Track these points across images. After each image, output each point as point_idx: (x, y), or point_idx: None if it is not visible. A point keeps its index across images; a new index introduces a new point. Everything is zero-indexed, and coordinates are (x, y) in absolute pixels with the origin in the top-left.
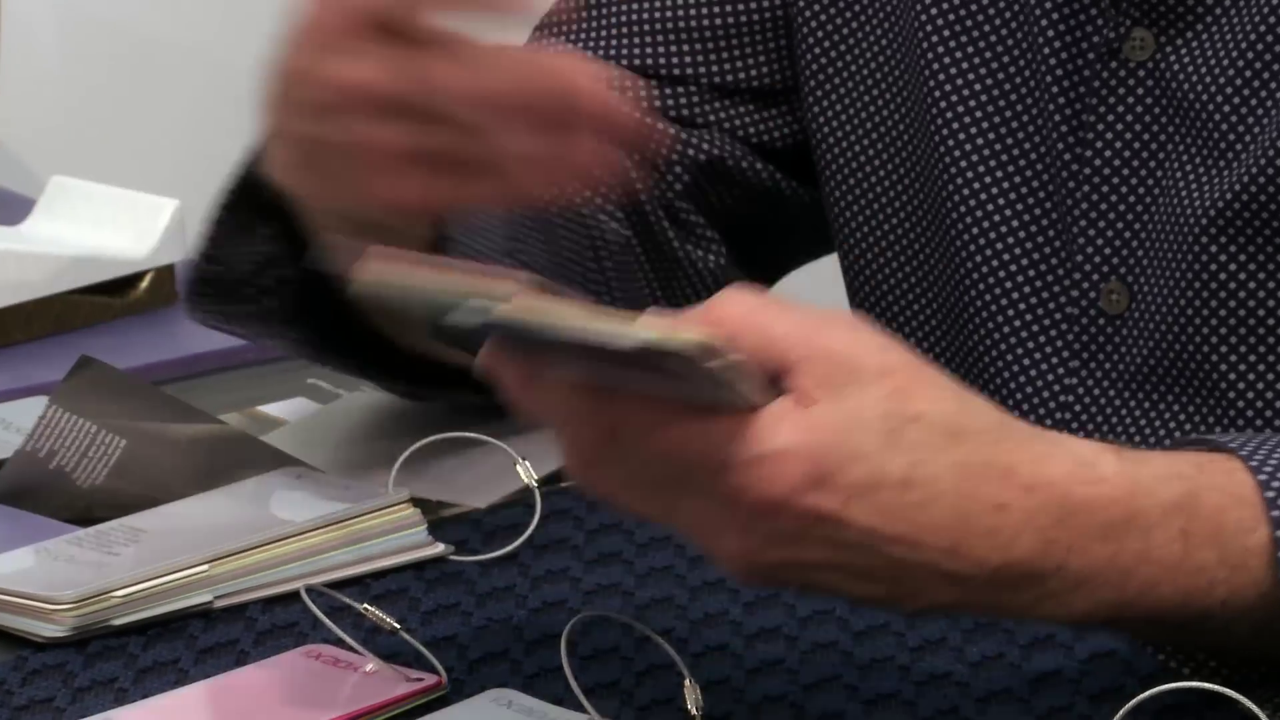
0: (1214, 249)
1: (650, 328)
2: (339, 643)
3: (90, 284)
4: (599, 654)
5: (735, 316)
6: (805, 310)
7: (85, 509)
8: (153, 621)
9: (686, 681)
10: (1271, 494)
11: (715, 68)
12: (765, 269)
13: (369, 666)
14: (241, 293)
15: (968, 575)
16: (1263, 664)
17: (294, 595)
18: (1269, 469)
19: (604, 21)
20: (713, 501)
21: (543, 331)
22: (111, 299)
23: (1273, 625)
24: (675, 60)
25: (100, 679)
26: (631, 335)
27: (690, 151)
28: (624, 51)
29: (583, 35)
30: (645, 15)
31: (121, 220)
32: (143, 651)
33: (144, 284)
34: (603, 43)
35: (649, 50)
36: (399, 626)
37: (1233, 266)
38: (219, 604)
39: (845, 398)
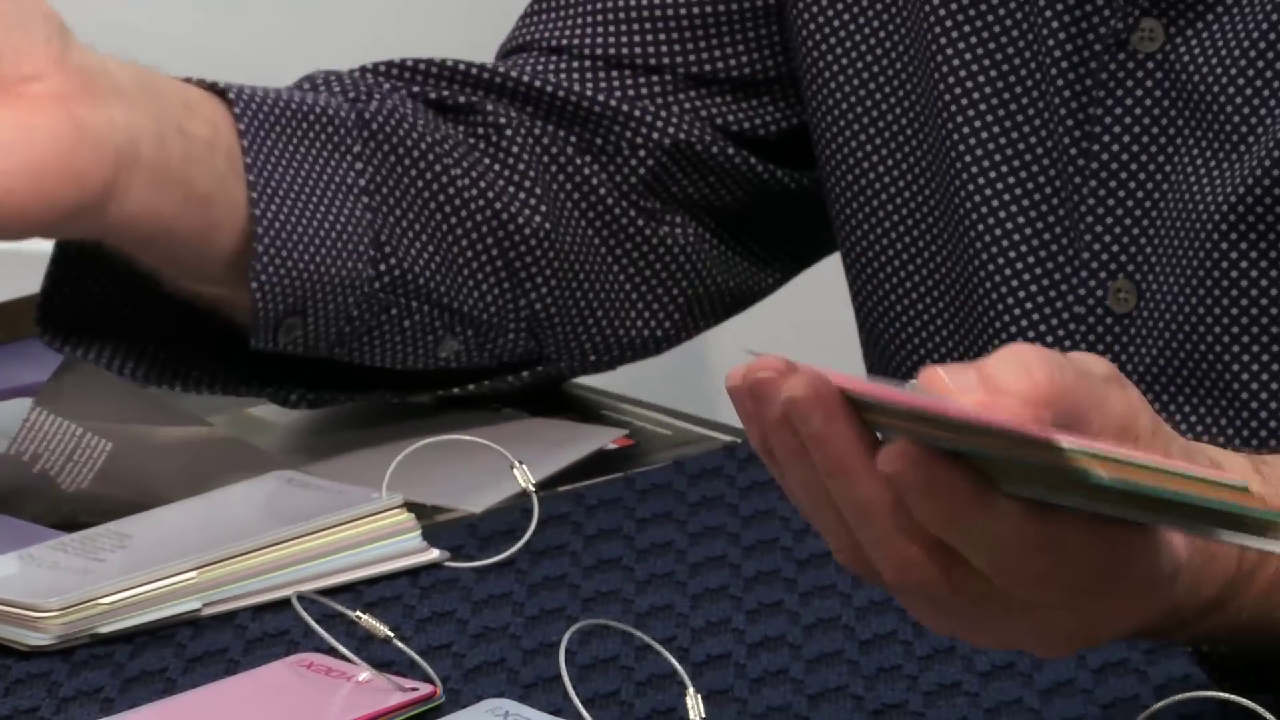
0: (1225, 245)
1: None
2: (331, 651)
3: None
4: (598, 663)
5: (1053, 394)
6: (1086, 367)
7: (70, 514)
8: (140, 629)
9: (688, 692)
10: None
11: (693, 57)
12: (777, 263)
13: (362, 676)
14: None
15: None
16: None
17: (285, 602)
18: None
19: (576, 9)
20: (1074, 615)
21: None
22: None
23: None
24: (651, 49)
25: (86, 689)
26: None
27: (655, 135)
28: (598, 40)
29: (553, 23)
30: (621, 4)
31: None
32: (129, 660)
33: None
34: (576, 31)
35: (623, 39)
36: (393, 635)
37: (1244, 264)
38: (207, 611)
39: None
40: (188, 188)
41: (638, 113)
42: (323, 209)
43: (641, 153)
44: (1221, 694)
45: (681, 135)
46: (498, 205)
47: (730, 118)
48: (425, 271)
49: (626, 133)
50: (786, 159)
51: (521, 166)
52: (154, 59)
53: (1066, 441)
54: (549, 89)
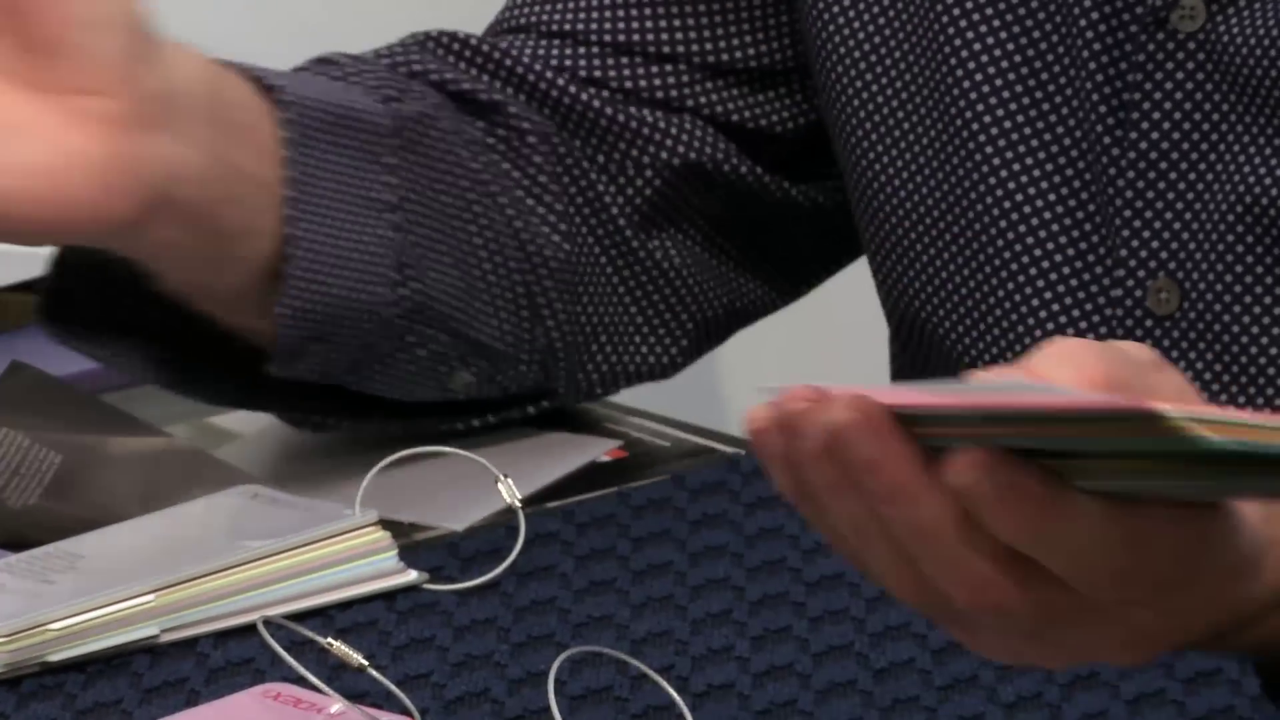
0: (1278, 240)
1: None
2: (300, 681)
3: (20, 280)
4: (590, 694)
5: (1111, 381)
6: (1131, 356)
7: (17, 531)
8: (93, 657)
9: None
10: None
11: (709, 45)
12: (783, 281)
13: (334, 708)
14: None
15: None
16: None
17: (250, 628)
18: None
19: None
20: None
21: None
22: None
23: None
24: (664, 36)
25: None
26: None
27: (664, 155)
28: (605, 26)
29: (557, 5)
30: None
31: None
32: (82, 691)
33: None
34: (582, 15)
35: (634, 25)
36: (367, 663)
37: None
38: (166, 638)
39: None
40: (217, 226)
41: (646, 130)
42: (352, 229)
43: (649, 172)
44: None
45: (692, 155)
46: (519, 225)
47: (746, 113)
48: (444, 297)
49: (633, 150)
50: (798, 164)
51: (543, 179)
52: None
53: (1171, 409)
54: (565, 99)
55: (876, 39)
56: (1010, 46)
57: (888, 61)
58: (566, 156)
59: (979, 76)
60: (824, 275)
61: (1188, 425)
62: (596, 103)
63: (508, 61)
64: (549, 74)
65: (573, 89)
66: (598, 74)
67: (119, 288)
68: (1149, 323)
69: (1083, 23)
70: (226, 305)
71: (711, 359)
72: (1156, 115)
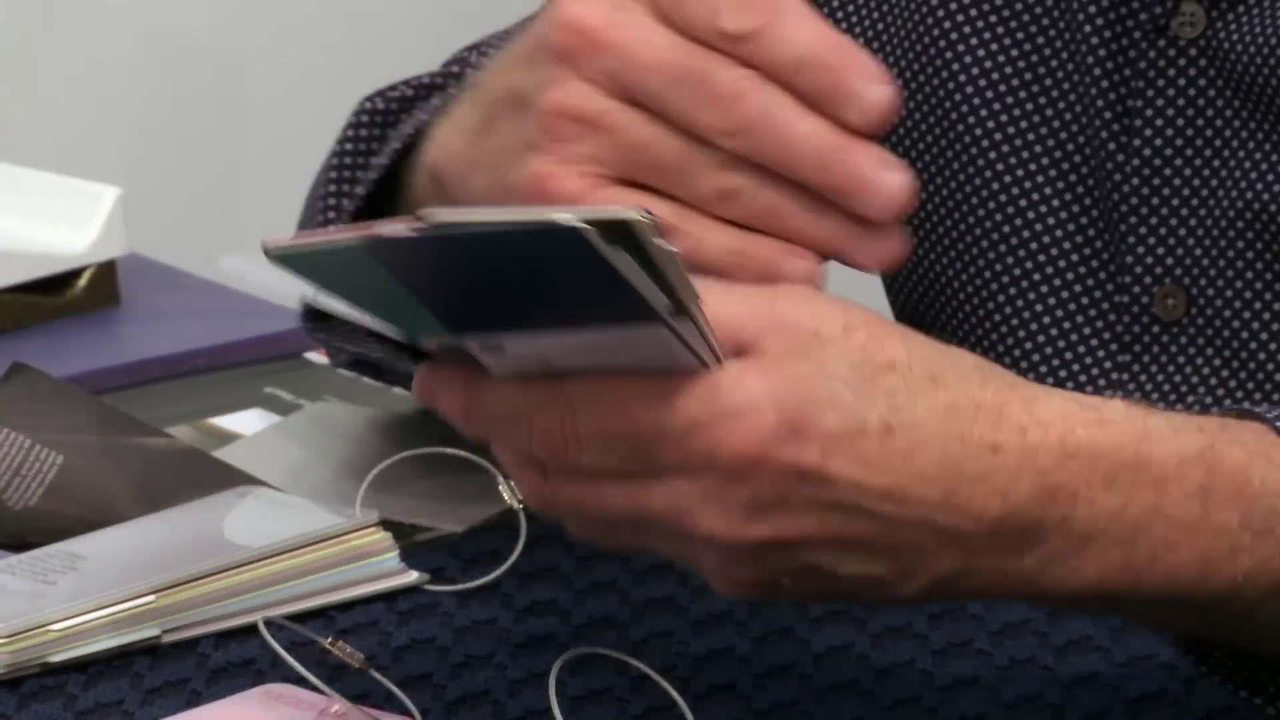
0: None
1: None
2: (301, 681)
3: (21, 282)
4: (591, 695)
5: None
6: (755, 288)
7: (18, 533)
8: (94, 658)
9: None
10: None
11: None
12: None
13: (335, 708)
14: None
15: (967, 532)
16: None
17: (251, 629)
18: None
19: None
20: (684, 478)
21: (472, 228)
22: (46, 298)
23: None
24: None
25: None
26: (560, 217)
27: None
28: None
29: None
30: None
31: (56, 210)
32: (83, 692)
33: (82, 282)
34: None
35: None
36: (368, 664)
37: None
38: (167, 639)
39: (810, 355)
40: None
41: None
42: None
43: None
44: None
45: None
46: None
47: None
48: None
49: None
50: None
51: None
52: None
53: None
54: None
55: (876, 45)
56: (1014, 53)
57: (887, 66)
58: None
59: (982, 83)
60: None
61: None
62: None
63: None
64: None
65: None
66: None
67: None
68: (1155, 329)
69: (1086, 29)
70: None
71: None
72: (1160, 122)
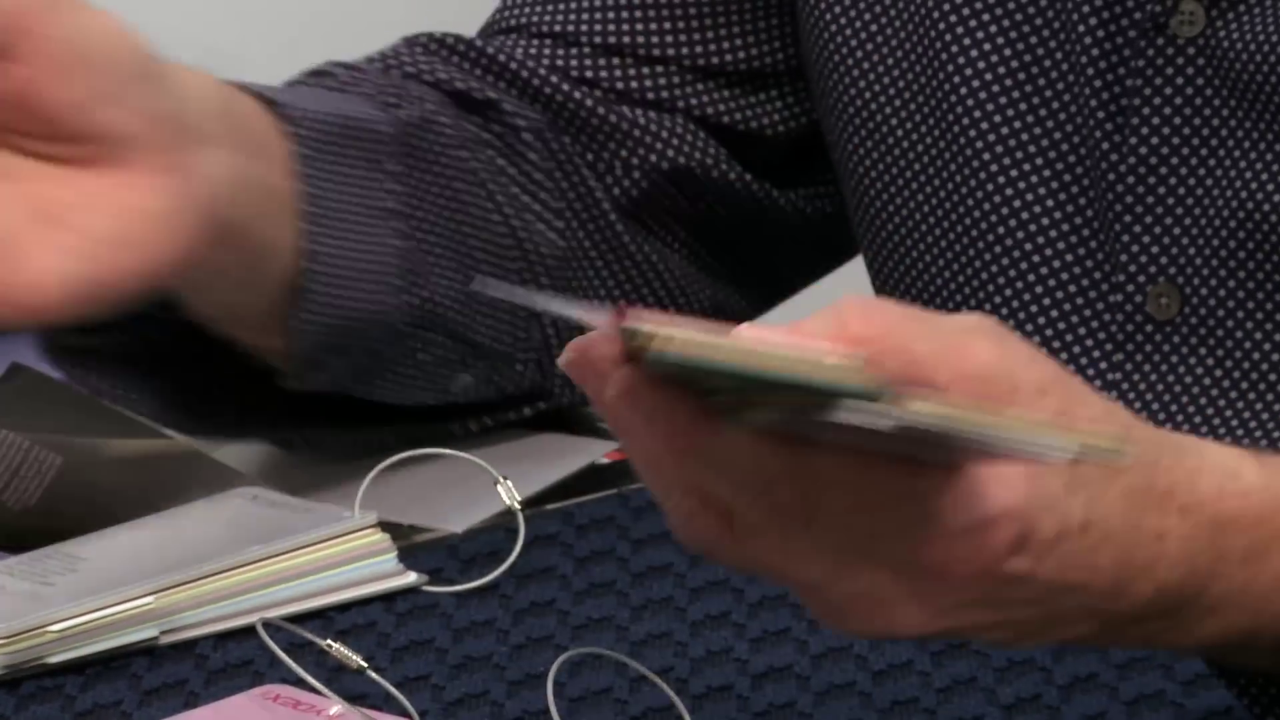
0: (1278, 245)
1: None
2: (299, 683)
3: None
4: (589, 695)
5: (872, 336)
6: (942, 320)
7: (17, 534)
8: (92, 659)
9: None
10: None
11: (699, 48)
12: (759, 288)
13: (333, 710)
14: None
15: (1119, 612)
16: None
17: (249, 630)
18: None
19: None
20: (897, 573)
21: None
22: None
23: None
24: (655, 39)
25: None
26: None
27: (653, 158)
28: (596, 28)
29: (549, 7)
30: None
31: None
32: (81, 693)
33: None
34: (573, 17)
35: (625, 27)
36: (366, 665)
37: None
38: (165, 640)
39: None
40: (250, 243)
41: (637, 132)
42: (363, 240)
43: (637, 174)
44: None
45: (681, 159)
46: (516, 222)
47: (736, 115)
48: (446, 301)
49: (622, 151)
50: (787, 169)
51: (538, 176)
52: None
53: (638, 322)
54: (558, 96)
55: (874, 44)
56: (1008, 52)
57: (885, 65)
58: (559, 153)
59: (976, 83)
60: (798, 287)
61: (643, 337)
62: (589, 102)
63: (500, 58)
64: (542, 72)
65: (565, 87)
66: (589, 74)
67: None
68: (1149, 328)
69: (1081, 28)
70: (249, 325)
71: None
72: (1156, 120)
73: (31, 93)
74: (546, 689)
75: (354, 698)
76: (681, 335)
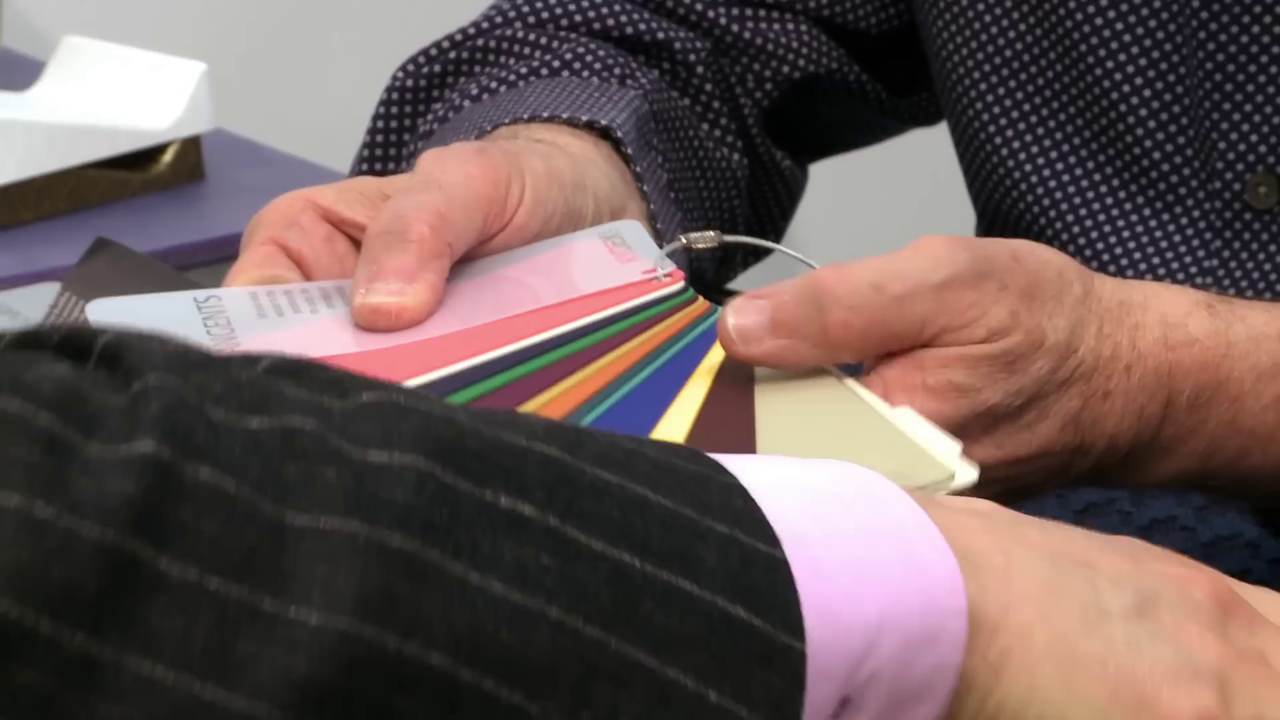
0: None
1: None
2: None
3: (107, 157)
4: None
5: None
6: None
7: None
8: None
9: None
10: None
11: None
12: (805, 154)
13: None
14: None
15: (1076, 466)
16: None
17: None
18: None
19: None
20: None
21: None
22: (130, 174)
23: None
24: None
25: None
26: None
27: (785, 69)
28: None
29: None
30: None
31: (142, 86)
32: None
33: (167, 157)
34: None
35: None
36: None
37: None
38: None
39: None
40: None
41: (770, 45)
42: (666, 222)
43: (769, 85)
44: None
45: (811, 68)
46: (717, 155)
47: (849, 15)
48: (704, 262)
49: (755, 65)
50: (882, 65)
51: (716, 104)
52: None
53: None
54: (704, 22)
55: None
56: None
57: None
58: (721, 80)
59: None
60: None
61: None
62: (723, 20)
63: None
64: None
65: (699, 7)
66: None
67: None
68: (1248, 215)
69: None
70: None
71: None
72: (1258, 9)
73: None
74: None
75: None
76: None
